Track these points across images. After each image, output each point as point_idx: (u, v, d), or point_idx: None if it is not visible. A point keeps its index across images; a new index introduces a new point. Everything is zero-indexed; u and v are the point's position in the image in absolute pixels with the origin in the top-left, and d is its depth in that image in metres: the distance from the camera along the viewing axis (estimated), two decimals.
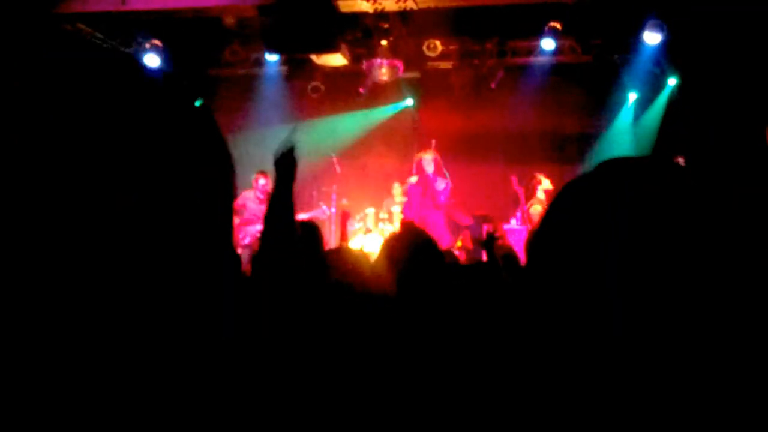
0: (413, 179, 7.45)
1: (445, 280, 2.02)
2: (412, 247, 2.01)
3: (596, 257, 0.70)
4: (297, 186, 2.33)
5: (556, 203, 0.77)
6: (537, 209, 7.54)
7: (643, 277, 0.68)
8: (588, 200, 0.74)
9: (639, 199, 0.70)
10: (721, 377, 0.66)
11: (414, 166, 7.48)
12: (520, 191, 8.12)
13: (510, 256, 4.08)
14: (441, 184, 7.36)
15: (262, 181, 8.07)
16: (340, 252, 2.80)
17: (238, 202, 8.15)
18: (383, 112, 9.63)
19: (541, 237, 0.76)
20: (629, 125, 9.03)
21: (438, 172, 7.46)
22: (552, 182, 7.76)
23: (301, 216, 7.82)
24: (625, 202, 0.70)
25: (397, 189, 8.20)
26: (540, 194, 7.67)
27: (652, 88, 8.85)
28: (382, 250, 2.08)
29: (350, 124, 9.49)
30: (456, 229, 8.55)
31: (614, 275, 0.68)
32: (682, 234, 0.68)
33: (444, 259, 2.07)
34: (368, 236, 8.07)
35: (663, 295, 0.67)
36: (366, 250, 7.18)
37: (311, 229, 3.26)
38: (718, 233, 0.68)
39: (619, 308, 0.68)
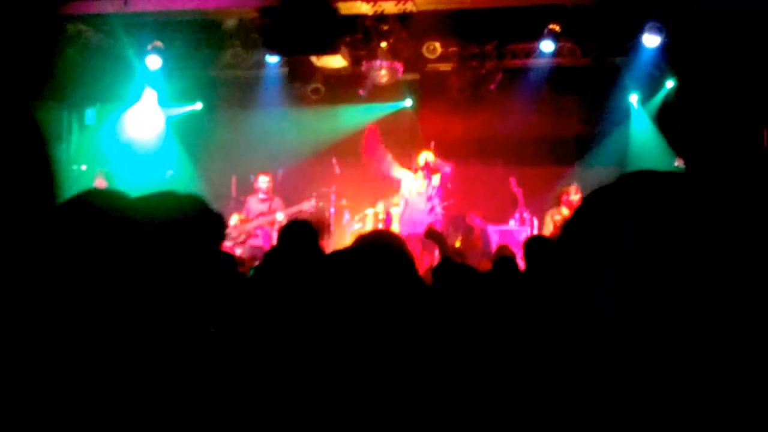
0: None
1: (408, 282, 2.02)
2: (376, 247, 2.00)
3: (609, 266, 0.71)
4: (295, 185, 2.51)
5: (579, 214, 0.79)
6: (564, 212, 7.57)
7: (651, 288, 0.69)
8: (607, 212, 0.76)
9: (656, 215, 0.72)
10: (725, 379, 0.67)
11: (423, 165, 7.62)
12: (519, 192, 8.16)
13: (505, 259, 4.06)
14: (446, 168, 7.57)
15: (262, 178, 8.14)
16: None
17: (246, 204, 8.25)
18: (382, 109, 9.64)
19: (561, 244, 0.78)
20: (649, 126, 8.98)
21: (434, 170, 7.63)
22: (555, 186, 7.78)
23: (290, 210, 7.93)
24: (642, 217, 0.72)
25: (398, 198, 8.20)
26: (565, 205, 7.69)
27: (652, 90, 8.87)
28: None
29: (349, 117, 9.53)
30: (457, 227, 8.57)
31: (623, 283, 0.70)
32: (693, 248, 0.69)
33: (412, 263, 2.06)
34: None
35: (666, 306, 0.68)
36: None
37: (304, 229, 3.31)
38: (728, 250, 0.70)
39: (620, 316, 0.69)
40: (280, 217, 7.79)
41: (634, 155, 8.79)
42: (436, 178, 7.58)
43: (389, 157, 7.85)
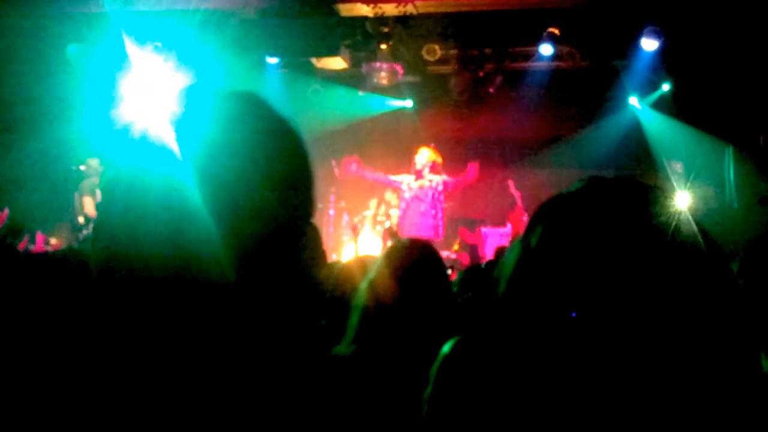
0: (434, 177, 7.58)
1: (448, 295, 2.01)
2: (415, 262, 1.97)
3: (574, 272, 0.70)
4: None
5: (539, 217, 0.77)
6: None
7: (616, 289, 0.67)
8: (571, 218, 0.74)
9: (619, 221, 0.71)
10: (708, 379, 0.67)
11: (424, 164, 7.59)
12: (518, 195, 8.18)
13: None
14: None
15: None
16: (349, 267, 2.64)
17: None
18: (382, 102, 9.61)
19: (524, 253, 0.76)
20: (659, 120, 8.97)
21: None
22: (553, 189, 7.78)
23: None
24: (607, 223, 0.71)
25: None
26: None
27: (650, 93, 8.89)
28: (383, 261, 1.97)
29: (349, 109, 9.53)
30: (454, 231, 8.57)
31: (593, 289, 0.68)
32: (656, 252, 0.68)
33: (445, 273, 2.05)
34: (364, 239, 8.11)
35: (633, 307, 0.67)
36: (361, 252, 7.21)
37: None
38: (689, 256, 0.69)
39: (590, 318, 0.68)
40: None
41: (649, 153, 8.80)
42: (437, 178, 7.54)
43: (377, 173, 7.86)
